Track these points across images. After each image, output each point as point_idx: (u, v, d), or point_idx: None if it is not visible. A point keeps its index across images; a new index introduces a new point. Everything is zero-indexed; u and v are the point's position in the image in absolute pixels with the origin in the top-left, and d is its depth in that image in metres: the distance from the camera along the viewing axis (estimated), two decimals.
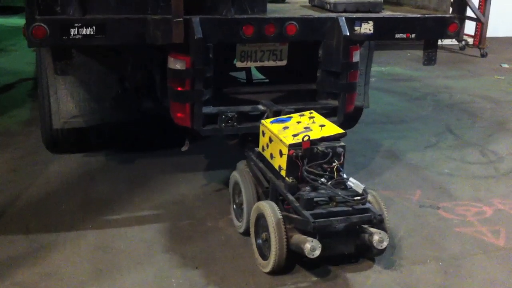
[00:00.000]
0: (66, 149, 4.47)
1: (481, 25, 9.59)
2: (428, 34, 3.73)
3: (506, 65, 8.97)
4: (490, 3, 9.50)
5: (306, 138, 3.16)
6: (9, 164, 4.40)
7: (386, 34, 3.66)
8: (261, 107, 3.62)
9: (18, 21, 11.07)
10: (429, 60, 3.80)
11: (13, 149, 4.70)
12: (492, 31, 9.99)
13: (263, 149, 3.46)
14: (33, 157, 4.54)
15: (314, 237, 2.94)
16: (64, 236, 3.42)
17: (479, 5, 9.60)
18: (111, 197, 3.94)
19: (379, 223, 3.07)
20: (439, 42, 3.91)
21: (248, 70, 4.53)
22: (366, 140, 5.28)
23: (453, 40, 9.86)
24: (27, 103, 5.93)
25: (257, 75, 4.81)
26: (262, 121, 3.46)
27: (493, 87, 7.51)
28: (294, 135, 3.23)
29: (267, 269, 3.10)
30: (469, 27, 10.12)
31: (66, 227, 3.51)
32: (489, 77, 8.14)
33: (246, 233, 3.43)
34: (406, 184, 4.36)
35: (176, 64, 3.34)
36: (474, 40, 10.09)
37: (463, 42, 9.93)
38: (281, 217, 3.07)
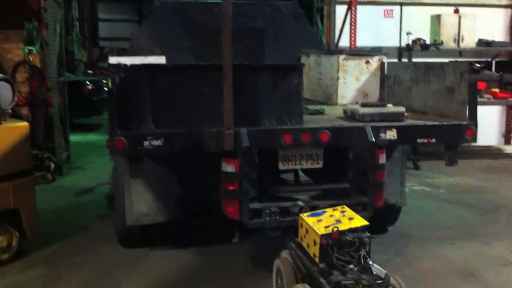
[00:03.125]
0: (136, 244, 5.42)
1: None
2: (446, 139, 4.54)
3: None
4: None
5: (335, 229, 3.96)
6: (85, 285, 4.81)
7: (409, 139, 4.51)
8: (300, 203, 4.46)
9: (95, 137, 12.56)
10: (451, 161, 4.58)
11: (87, 268, 5.12)
12: None
13: (301, 239, 4.26)
14: (106, 277, 4.93)
15: None
16: None
17: None
18: None
19: None
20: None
21: (295, 172, 5.46)
22: (438, 257, 5.38)
23: None
24: (102, 206, 6.95)
25: (304, 177, 5.72)
26: (300, 215, 4.27)
27: None
28: (326, 227, 4.02)
29: None
30: None
31: None
32: None
33: None
34: None
35: (227, 167, 4.27)
36: None
37: None
38: None
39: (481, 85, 10.00)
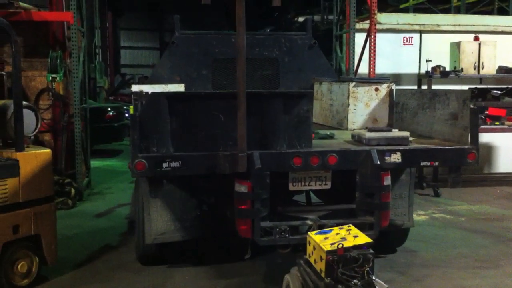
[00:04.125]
0: (153, 261, 5.89)
1: None
2: (449, 162, 4.97)
3: None
4: None
5: (340, 246, 4.40)
6: None
7: (413, 162, 4.95)
8: (308, 222, 4.92)
9: (115, 163, 13.09)
10: (455, 184, 5.01)
11: None
12: None
13: (309, 256, 4.69)
14: None
15: None
16: None
17: None
18: None
19: None
20: None
21: (307, 193, 5.92)
22: (457, 286, 5.47)
23: None
24: (122, 231, 7.40)
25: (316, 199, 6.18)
26: (309, 233, 4.70)
27: None
28: (332, 244, 4.46)
29: None
30: None
31: None
32: None
33: None
34: None
35: (240, 188, 4.75)
36: None
37: None
38: None
39: (501, 112, 10.39)
